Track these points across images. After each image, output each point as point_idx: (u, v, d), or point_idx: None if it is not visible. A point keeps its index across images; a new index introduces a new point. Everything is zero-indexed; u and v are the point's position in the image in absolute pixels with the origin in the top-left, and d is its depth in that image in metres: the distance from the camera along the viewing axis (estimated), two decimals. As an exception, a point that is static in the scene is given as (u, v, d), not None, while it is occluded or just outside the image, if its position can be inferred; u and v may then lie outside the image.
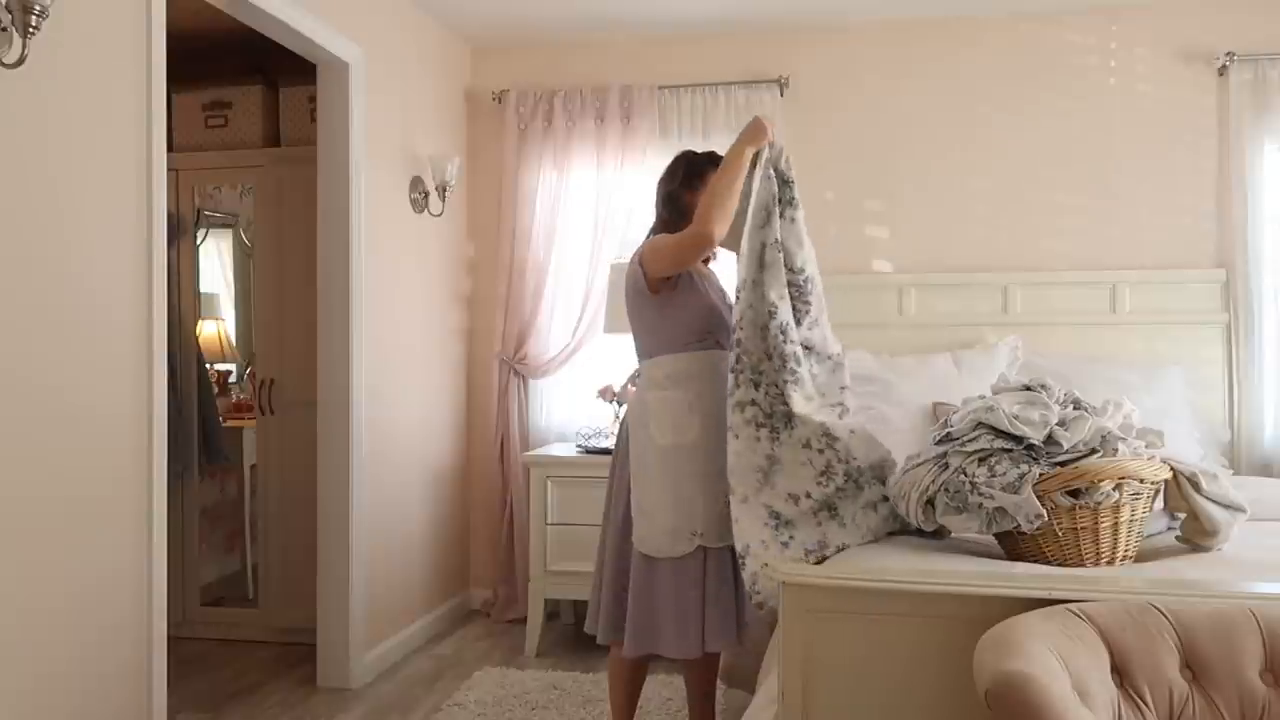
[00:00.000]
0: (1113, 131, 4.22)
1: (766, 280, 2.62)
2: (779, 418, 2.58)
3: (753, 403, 2.58)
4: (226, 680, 3.78)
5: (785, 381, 2.56)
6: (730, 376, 2.60)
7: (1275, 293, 4.01)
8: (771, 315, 2.59)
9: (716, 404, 2.68)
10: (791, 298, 2.64)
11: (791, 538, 2.52)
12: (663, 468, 2.69)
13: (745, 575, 2.51)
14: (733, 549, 2.69)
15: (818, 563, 2.45)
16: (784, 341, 2.58)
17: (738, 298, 2.63)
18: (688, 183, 2.83)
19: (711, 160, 2.83)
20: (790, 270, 2.64)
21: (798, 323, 2.64)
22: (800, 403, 2.57)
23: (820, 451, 2.57)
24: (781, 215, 2.67)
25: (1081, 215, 4.24)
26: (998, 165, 4.30)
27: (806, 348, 2.65)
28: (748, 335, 2.60)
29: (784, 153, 2.72)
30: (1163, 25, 4.19)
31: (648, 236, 2.90)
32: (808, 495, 2.55)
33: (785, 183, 2.69)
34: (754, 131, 2.69)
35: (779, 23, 4.39)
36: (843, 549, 2.51)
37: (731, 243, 2.67)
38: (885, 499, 2.58)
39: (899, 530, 2.57)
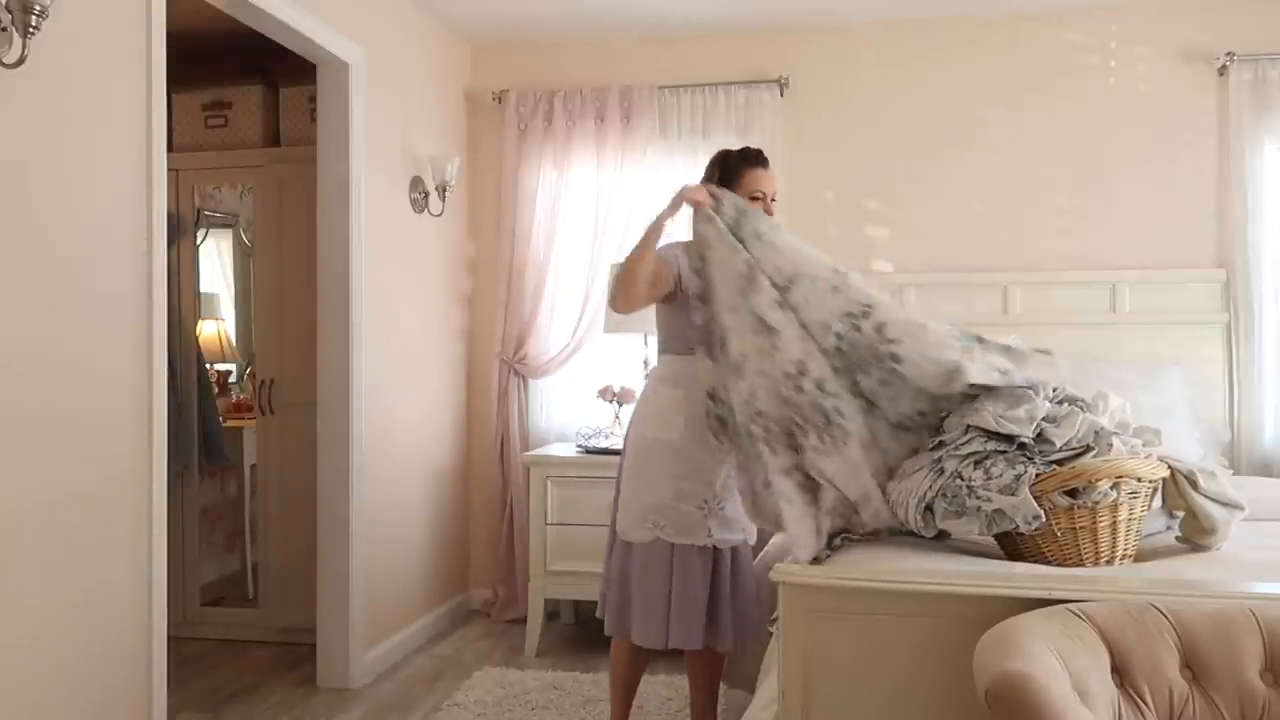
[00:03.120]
0: (1113, 131, 4.22)
1: (778, 343, 2.41)
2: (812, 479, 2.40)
3: (795, 467, 2.38)
4: (226, 680, 3.78)
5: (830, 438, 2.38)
6: (763, 448, 2.38)
7: (1275, 293, 4.02)
8: (801, 373, 2.40)
9: (700, 407, 2.68)
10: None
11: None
12: (641, 457, 2.80)
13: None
14: (701, 551, 2.73)
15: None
16: (822, 397, 2.39)
17: (741, 373, 2.42)
18: (720, 180, 2.79)
19: (746, 159, 2.82)
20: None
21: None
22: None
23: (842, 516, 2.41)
24: (754, 253, 2.48)
25: (1081, 215, 4.24)
26: (998, 165, 4.30)
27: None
28: (767, 404, 2.40)
29: (739, 213, 2.55)
30: (1163, 25, 4.19)
31: None
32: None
33: (750, 236, 2.52)
34: (673, 203, 2.62)
35: (779, 23, 4.39)
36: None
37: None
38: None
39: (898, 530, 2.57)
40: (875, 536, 2.55)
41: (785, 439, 2.41)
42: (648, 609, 2.74)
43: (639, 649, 2.83)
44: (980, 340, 2.51)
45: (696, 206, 2.57)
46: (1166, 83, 4.19)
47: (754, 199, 2.77)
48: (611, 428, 4.23)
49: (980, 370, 2.38)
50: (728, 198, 2.59)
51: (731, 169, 2.83)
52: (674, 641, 2.72)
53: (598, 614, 2.94)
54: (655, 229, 2.68)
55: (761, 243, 2.52)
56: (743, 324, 2.46)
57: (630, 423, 2.91)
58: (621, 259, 2.70)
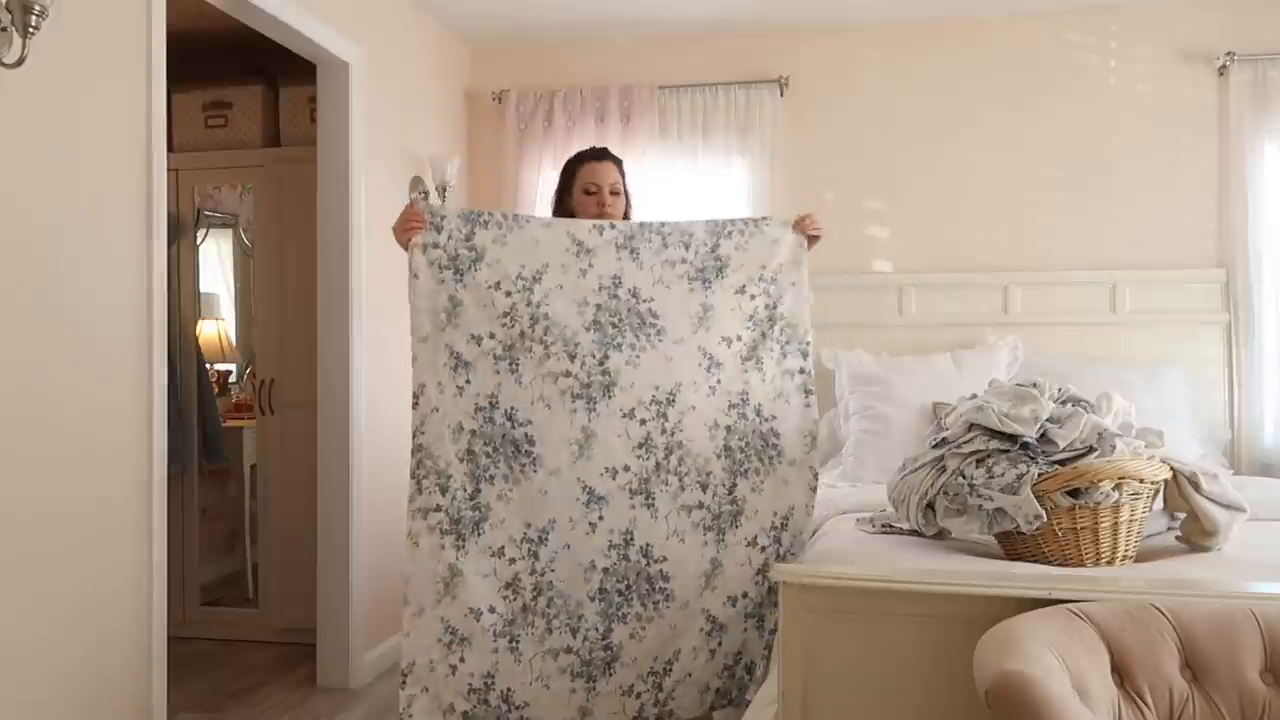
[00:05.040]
0: (1113, 131, 4.22)
1: (471, 376, 2.54)
2: (466, 524, 2.51)
3: (437, 508, 2.50)
4: (226, 680, 3.78)
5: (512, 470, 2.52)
6: (411, 482, 2.52)
7: (1275, 293, 4.01)
8: (492, 404, 2.52)
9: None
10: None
11: (463, 660, 2.46)
12: None
13: (402, 697, 2.46)
14: None
15: (479, 704, 2.44)
16: (512, 427, 2.53)
17: (416, 403, 2.54)
18: (562, 186, 2.93)
19: (579, 157, 2.90)
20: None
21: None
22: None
23: (511, 561, 2.51)
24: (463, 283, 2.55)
25: (1081, 215, 4.24)
26: (998, 165, 4.30)
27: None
28: (430, 439, 2.52)
29: (469, 225, 2.58)
30: (1163, 25, 4.19)
31: None
32: (491, 609, 2.48)
33: (489, 245, 2.58)
34: (397, 232, 2.58)
35: (779, 23, 4.39)
36: (507, 695, 2.46)
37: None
38: (570, 650, 2.50)
39: (893, 530, 2.58)
40: (881, 536, 2.56)
41: (435, 477, 2.50)
42: None
43: None
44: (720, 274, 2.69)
45: (403, 242, 2.57)
46: (1166, 83, 4.19)
47: (588, 193, 2.83)
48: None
49: (721, 303, 2.65)
50: (449, 217, 2.58)
51: (568, 170, 2.92)
52: None
53: None
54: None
55: (503, 246, 2.58)
56: (435, 357, 2.55)
57: None
58: None
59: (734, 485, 2.59)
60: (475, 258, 2.56)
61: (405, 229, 2.56)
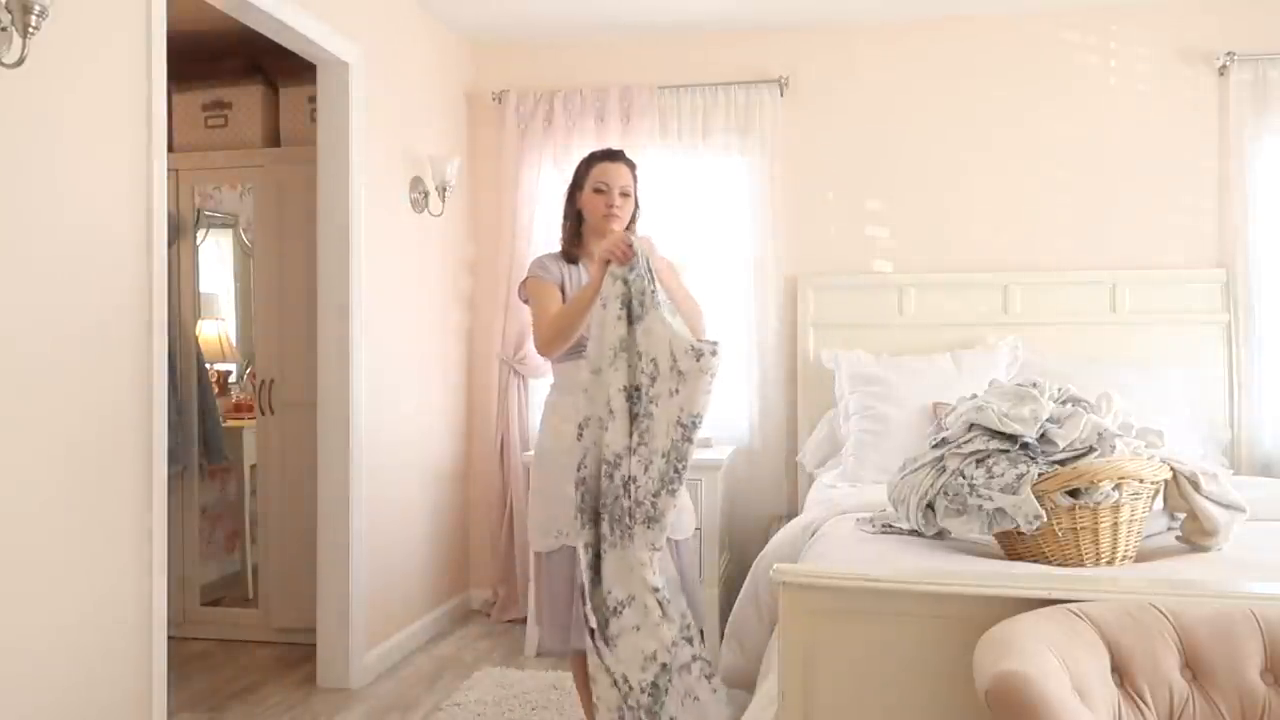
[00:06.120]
0: (1113, 131, 4.22)
1: (611, 427, 2.50)
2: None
3: (586, 546, 2.53)
4: (226, 680, 3.78)
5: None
6: (576, 517, 2.54)
7: (1275, 293, 4.02)
8: (615, 465, 2.49)
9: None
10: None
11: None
12: (540, 468, 2.81)
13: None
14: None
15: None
16: (625, 495, 2.48)
17: (580, 435, 2.53)
18: (574, 183, 2.88)
19: (594, 156, 2.87)
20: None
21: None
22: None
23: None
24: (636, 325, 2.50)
25: (1081, 215, 4.24)
26: (998, 165, 4.30)
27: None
28: (591, 475, 2.53)
29: (646, 270, 2.51)
30: (1163, 25, 4.19)
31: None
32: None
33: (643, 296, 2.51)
34: (607, 250, 2.56)
35: (779, 23, 4.39)
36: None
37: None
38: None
39: (893, 530, 2.58)
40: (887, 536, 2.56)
41: (589, 514, 2.54)
42: (553, 615, 2.74)
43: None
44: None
45: (611, 259, 2.54)
46: (1166, 83, 4.19)
47: (597, 192, 2.80)
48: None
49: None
50: (640, 261, 2.52)
51: (583, 167, 2.87)
52: (575, 642, 2.69)
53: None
54: (599, 285, 2.57)
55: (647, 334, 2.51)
56: (600, 393, 2.53)
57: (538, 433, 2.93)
58: (566, 308, 2.71)
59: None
60: (639, 316, 2.52)
61: (613, 255, 2.53)
